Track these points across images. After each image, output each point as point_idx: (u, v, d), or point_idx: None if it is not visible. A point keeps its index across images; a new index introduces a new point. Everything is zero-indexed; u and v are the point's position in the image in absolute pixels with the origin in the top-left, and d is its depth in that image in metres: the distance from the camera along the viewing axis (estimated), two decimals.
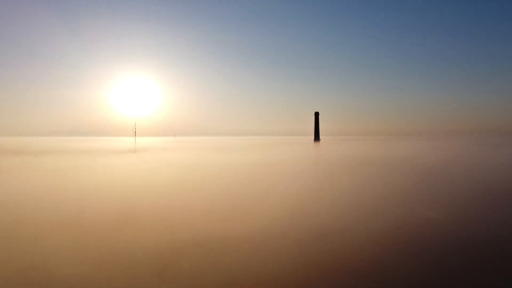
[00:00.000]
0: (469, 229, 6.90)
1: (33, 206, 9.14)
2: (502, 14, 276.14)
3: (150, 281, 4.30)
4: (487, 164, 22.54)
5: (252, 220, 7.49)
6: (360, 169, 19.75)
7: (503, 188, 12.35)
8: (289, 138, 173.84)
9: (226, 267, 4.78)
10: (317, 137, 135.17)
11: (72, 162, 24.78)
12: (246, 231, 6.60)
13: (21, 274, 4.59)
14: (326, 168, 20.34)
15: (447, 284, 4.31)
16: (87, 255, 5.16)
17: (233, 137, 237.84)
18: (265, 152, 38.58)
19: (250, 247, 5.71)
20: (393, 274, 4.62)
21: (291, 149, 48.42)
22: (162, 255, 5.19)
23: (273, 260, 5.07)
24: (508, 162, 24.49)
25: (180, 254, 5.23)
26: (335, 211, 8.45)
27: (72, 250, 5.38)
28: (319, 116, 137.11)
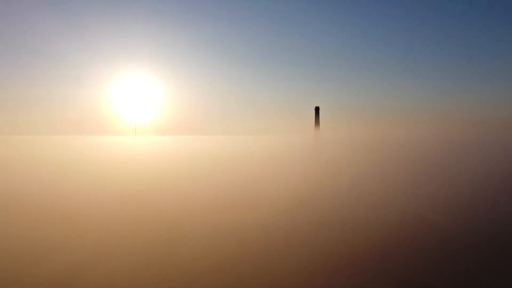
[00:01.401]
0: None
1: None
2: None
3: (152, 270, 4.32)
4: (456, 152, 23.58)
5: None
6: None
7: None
8: (290, 137, 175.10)
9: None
10: (317, 128, 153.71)
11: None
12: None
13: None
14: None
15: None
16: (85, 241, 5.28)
17: (233, 136, 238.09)
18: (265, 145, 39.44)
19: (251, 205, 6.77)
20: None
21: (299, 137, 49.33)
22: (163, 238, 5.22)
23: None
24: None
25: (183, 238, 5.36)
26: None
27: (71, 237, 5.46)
28: (319, 110, 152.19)
